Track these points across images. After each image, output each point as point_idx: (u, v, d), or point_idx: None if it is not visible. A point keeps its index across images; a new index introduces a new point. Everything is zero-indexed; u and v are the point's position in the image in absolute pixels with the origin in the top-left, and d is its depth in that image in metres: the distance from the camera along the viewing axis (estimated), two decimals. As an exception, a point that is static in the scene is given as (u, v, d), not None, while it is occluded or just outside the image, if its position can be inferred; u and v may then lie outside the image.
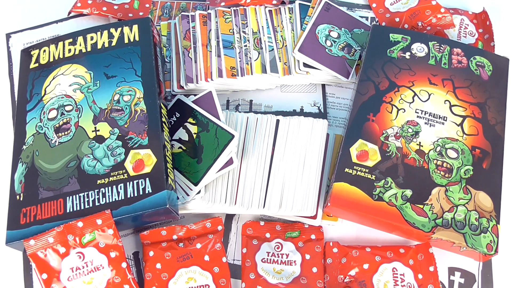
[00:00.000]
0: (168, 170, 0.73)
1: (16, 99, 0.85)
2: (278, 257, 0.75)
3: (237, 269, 0.76)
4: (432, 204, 0.73)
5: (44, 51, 0.83)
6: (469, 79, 0.81)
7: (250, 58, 0.85)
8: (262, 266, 0.74)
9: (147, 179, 0.71)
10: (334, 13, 0.89)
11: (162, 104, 0.78)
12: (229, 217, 0.79)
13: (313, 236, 0.76)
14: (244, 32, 0.87)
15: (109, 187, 0.72)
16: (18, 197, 0.74)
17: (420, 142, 0.76)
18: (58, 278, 0.69)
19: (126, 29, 0.82)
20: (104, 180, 0.72)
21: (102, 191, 0.72)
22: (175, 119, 0.79)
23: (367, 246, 0.76)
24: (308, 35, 0.86)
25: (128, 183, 0.72)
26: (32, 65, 0.83)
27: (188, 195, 0.74)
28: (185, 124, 0.79)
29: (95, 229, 0.70)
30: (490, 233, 0.72)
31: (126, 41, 0.81)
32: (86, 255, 0.70)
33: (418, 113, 0.78)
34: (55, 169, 0.74)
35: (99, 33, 0.83)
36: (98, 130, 0.76)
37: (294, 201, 0.75)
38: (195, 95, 0.81)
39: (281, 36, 0.87)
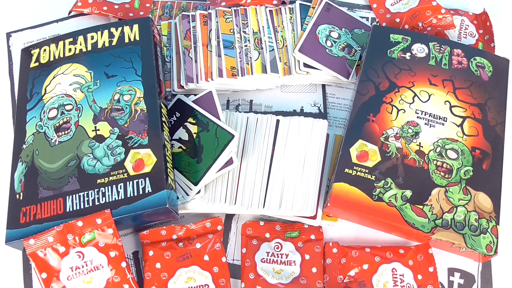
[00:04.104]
0: (168, 169, 0.73)
1: (16, 98, 0.85)
2: (278, 257, 0.75)
3: (237, 269, 0.76)
4: (432, 204, 0.73)
5: (45, 50, 0.83)
6: (469, 80, 0.81)
7: (250, 58, 0.85)
8: (262, 266, 0.74)
9: (147, 178, 0.71)
10: (335, 13, 0.89)
11: (162, 104, 0.78)
12: (229, 217, 0.79)
13: (312, 236, 0.76)
14: (244, 32, 0.87)
15: (109, 187, 0.72)
16: (18, 196, 0.74)
17: (420, 143, 0.76)
18: (57, 278, 0.69)
19: (126, 29, 0.82)
20: (104, 180, 0.72)
21: (102, 190, 0.72)
22: (175, 119, 0.79)
23: (366, 246, 0.76)
24: (308, 35, 0.86)
25: (128, 182, 0.72)
26: (32, 64, 0.83)
27: (188, 195, 0.74)
28: (185, 124, 0.79)
29: (94, 228, 0.70)
30: (490, 234, 0.72)
31: (126, 40, 0.81)
32: (86, 254, 0.70)
33: (418, 113, 0.78)
34: (55, 169, 0.74)
35: (99, 32, 0.83)
36: (98, 130, 0.76)
37: (294, 201, 0.75)
38: (195, 95, 0.81)
39: (282, 36, 0.87)
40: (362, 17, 0.92)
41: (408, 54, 0.82)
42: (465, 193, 0.74)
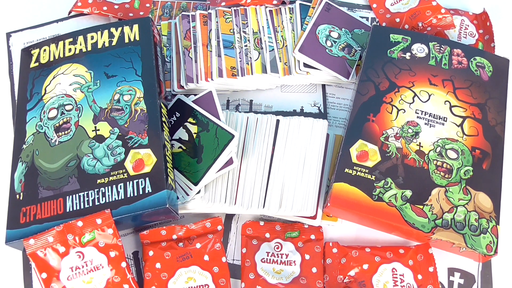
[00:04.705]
0: (168, 169, 0.73)
1: (16, 99, 0.85)
2: (278, 257, 0.75)
3: (237, 269, 0.76)
4: (432, 204, 0.73)
5: (45, 50, 0.83)
6: (469, 80, 0.81)
7: (250, 58, 0.85)
8: (262, 266, 0.74)
9: (147, 178, 0.71)
10: (335, 13, 0.89)
11: (162, 104, 0.78)
12: (229, 217, 0.79)
13: (312, 236, 0.76)
14: (244, 32, 0.87)
15: (109, 187, 0.72)
16: (18, 196, 0.74)
17: (420, 143, 0.76)
18: (57, 278, 0.69)
19: (126, 29, 0.82)
20: (104, 180, 0.72)
21: (102, 190, 0.72)
22: (175, 119, 0.79)
23: (366, 246, 0.76)
24: (308, 35, 0.86)
25: (128, 182, 0.72)
26: (32, 65, 0.83)
27: (188, 195, 0.74)
28: (185, 124, 0.79)
29: (94, 228, 0.70)
30: (490, 234, 0.72)
31: (126, 40, 0.81)
32: (86, 254, 0.70)
33: (418, 113, 0.78)
34: (55, 169, 0.74)
35: (99, 32, 0.83)
36: (98, 130, 0.76)
37: (294, 201, 0.75)
38: (195, 95, 0.81)
39: (282, 36, 0.87)
40: (362, 17, 0.92)
41: (408, 54, 0.82)
42: (465, 193, 0.74)
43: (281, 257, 0.75)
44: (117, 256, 0.70)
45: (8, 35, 0.91)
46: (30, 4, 0.95)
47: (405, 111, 0.78)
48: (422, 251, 0.75)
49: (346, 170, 0.74)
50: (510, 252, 0.78)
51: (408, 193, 0.73)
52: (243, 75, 0.83)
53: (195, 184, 0.74)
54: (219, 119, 0.77)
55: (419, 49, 0.82)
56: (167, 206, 0.70)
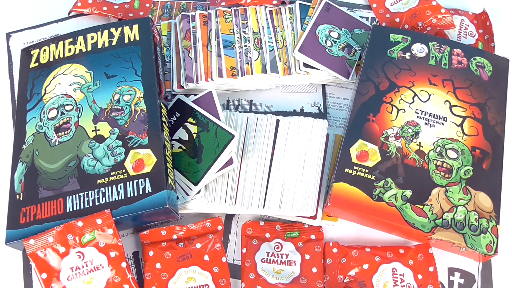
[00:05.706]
0: (168, 170, 0.73)
1: (16, 99, 0.85)
2: (278, 257, 0.75)
3: (237, 269, 0.76)
4: (432, 204, 0.73)
5: (44, 50, 0.83)
6: (469, 80, 0.81)
7: (250, 58, 0.85)
8: (262, 266, 0.74)
9: (147, 178, 0.71)
10: (335, 13, 0.89)
11: (162, 104, 0.78)
12: (229, 217, 0.79)
13: (312, 236, 0.76)
14: (244, 32, 0.87)
15: (109, 187, 0.72)
16: (18, 196, 0.74)
17: (420, 143, 0.76)
18: (57, 278, 0.69)
19: (126, 29, 0.82)
20: (104, 180, 0.72)
21: (102, 190, 0.72)
22: (175, 119, 0.79)
23: (367, 246, 0.76)
24: (308, 35, 0.86)
25: (128, 182, 0.72)
26: (32, 65, 0.83)
27: (188, 195, 0.74)
28: (185, 124, 0.79)
29: (95, 228, 0.70)
30: (490, 234, 0.72)
31: (126, 40, 0.81)
32: (86, 254, 0.70)
33: (418, 113, 0.78)
34: (55, 169, 0.74)
35: (99, 32, 0.83)
36: (98, 130, 0.76)
37: (294, 201, 0.75)
38: (195, 95, 0.81)
39: (281, 36, 0.87)
40: (362, 17, 0.92)
41: (408, 54, 0.82)
42: (465, 193, 0.74)
43: (281, 257, 0.75)
44: (117, 256, 0.70)
45: (8, 35, 0.91)
46: (30, 4, 0.95)
47: (405, 111, 0.78)
48: (422, 251, 0.75)
49: (346, 170, 0.74)
50: (510, 252, 0.78)
51: (408, 193, 0.73)
52: (243, 75, 0.83)
53: (195, 184, 0.74)
54: (219, 119, 0.77)
55: (419, 49, 0.82)
56: (167, 206, 0.70)
